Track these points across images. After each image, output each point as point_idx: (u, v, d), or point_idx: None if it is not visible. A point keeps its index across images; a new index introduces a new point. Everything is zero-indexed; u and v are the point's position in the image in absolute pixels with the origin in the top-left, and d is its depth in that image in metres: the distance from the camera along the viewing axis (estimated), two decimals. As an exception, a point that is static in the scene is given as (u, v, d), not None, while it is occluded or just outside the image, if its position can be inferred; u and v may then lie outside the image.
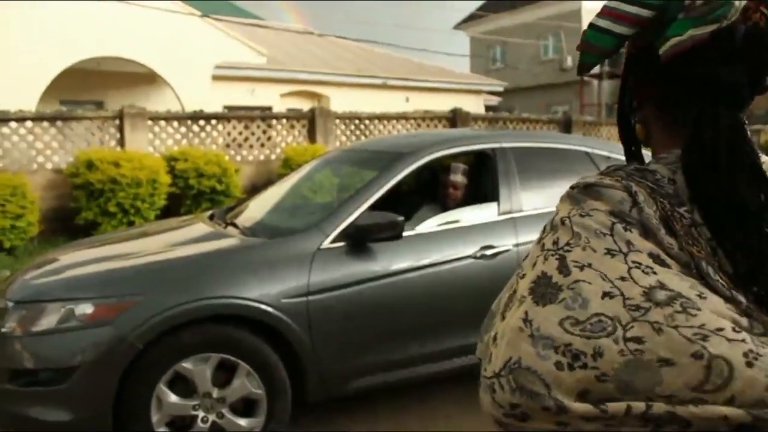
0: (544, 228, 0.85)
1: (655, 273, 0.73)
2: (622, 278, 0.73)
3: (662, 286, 0.71)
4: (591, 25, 0.88)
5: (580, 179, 0.85)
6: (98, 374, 2.96)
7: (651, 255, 0.74)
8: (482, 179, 4.21)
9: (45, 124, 9.15)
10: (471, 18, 31.14)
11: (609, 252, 0.75)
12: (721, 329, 0.68)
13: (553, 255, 0.78)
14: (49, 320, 2.99)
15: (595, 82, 25.41)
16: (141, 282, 3.16)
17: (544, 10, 26.88)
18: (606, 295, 0.72)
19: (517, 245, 3.83)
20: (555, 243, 0.79)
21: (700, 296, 0.72)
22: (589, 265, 0.74)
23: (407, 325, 3.57)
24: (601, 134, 14.71)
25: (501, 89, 21.66)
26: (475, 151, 4.22)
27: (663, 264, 0.74)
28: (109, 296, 3.06)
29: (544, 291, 0.75)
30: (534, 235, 3.91)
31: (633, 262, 0.74)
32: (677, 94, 0.86)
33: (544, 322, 0.72)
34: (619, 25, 0.84)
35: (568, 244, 0.78)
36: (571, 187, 0.85)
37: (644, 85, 0.91)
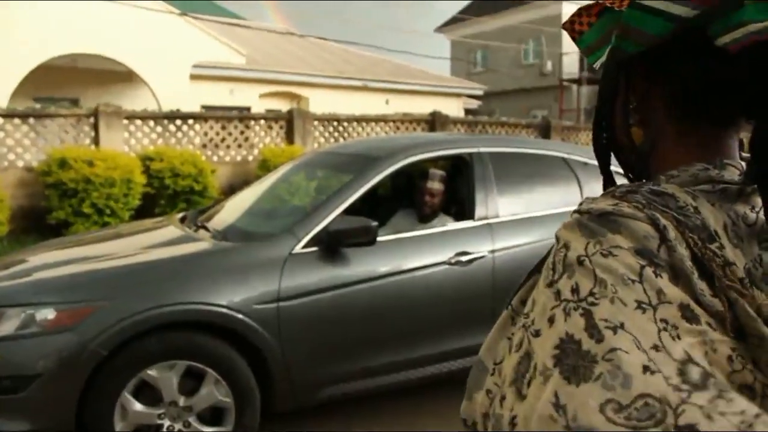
0: (548, 265, 0.69)
1: (680, 338, 0.60)
2: (655, 347, 0.59)
3: (690, 359, 0.59)
4: (634, 4, 0.70)
5: (586, 202, 0.70)
6: (60, 382, 2.87)
7: (681, 307, 0.62)
8: (459, 184, 4.17)
9: (17, 120, 8.96)
10: (452, 21, 31.21)
11: (640, 306, 0.61)
12: (758, 415, 0.56)
13: (575, 309, 0.62)
14: (8, 326, 2.89)
15: (575, 87, 25.60)
16: (105, 287, 3.07)
17: (525, 15, 27.02)
18: (646, 369, 0.57)
19: (493, 251, 3.79)
20: (575, 291, 0.63)
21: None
22: (622, 326, 0.59)
23: (380, 332, 3.51)
24: (580, 139, 14.78)
25: (481, 93, 21.71)
26: (452, 155, 4.17)
27: (691, 319, 0.61)
28: (72, 301, 2.96)
29: (574, 363, 0.59)
30: (510, 241, 3.91)
31: (661, 320, 0.60)
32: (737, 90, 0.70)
33: (582, 409, 0.56)
34: (679, 3, 0.68)
35: (592, 294, 0.62)
36: (579, 212, 0.70)
37: (666, 82, 0.75)
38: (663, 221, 0.65)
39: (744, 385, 0.63)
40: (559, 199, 4.23)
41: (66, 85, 14.33)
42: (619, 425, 0.54)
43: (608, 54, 0.77)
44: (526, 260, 3.88)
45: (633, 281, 0.62)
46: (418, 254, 3.65)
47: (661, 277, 0.62)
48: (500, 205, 3.97)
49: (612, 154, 0.86)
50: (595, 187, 4.30)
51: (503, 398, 0.65)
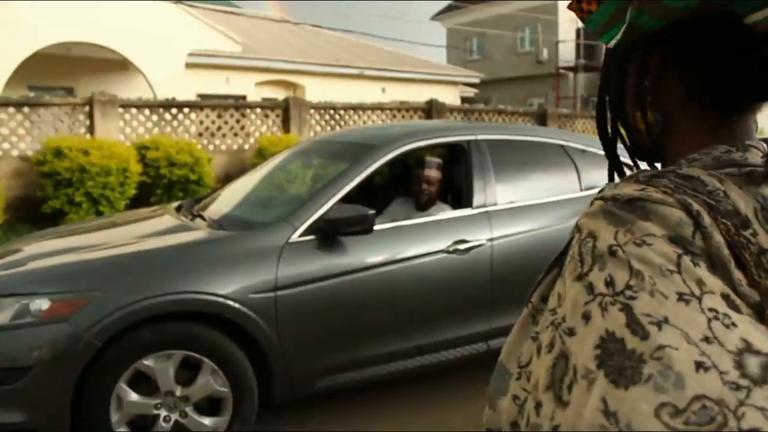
0: (573, 256, 0.63)
1: (735, 325, 0.55)
2: (707, 339, 0.53)
3: (749, 347, 0.53)
4: None
5: (609, 188, 0.65)
6: (54, 373, 2.84)
7: (723, 296, 0.57)
8: (456, 172, 4.14)
9: (11, 109, 8.89)
10: (448, 9, 31.05)
11: (681, 298, 0.56)
12: None
13: (613, 304, 0.57)
14: (2, 316, 2.86)
15: (571, 75, 25.53)
16: (100, 277, 3.03)
17: (521, 2, 26.87)
18: (700, 366, 0.52)
19: (491, 240, 3.77)
20: (609, 284, 0.58)
21: None
22: (667, 321, 0.54)
23: (378, 321, 3.49)
24: (576, 127, 14.74)
25: (477, 81, 21.63)
26: (449, 143, 4.14)
27: (737, 308, 0.56)
28: (67, 291, 2.93)
29: (620, 364, 0.54)
30: (509, 229, 3.88)
31: (710, 310, 0.55)
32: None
33: (636, 415, 0.51)
34: None
35: (629, 287, 0.57)
36: (603, 198, 0.64)
37: (686, 62, 0.71)
38: (696, 206, 0.60)
39: None
40: (558, 187, 4.20)
41: (60, 73, 14.22)
42: (680, 431, 0.50)
43: (624, 30, 0.72)
44: (524, 248, 3.86)
45: (671, 272, 0.57)
46: (415, 243, 3.63)
47: (699, 266, 0.57)
48: (498, 192, 3.94)
49: (618, 140, 0.81)
50: (593, 175, 4.28)
51: (539, 405, 0.60)
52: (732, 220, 0.60)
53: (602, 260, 0.59)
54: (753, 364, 0.52)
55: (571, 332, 0.59)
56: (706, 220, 0.59)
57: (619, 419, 0.51)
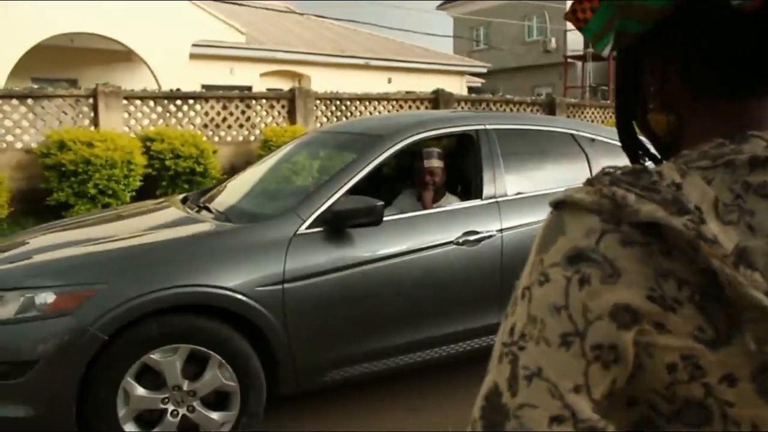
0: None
1: (618, 361, 0.59)
2: (576, 388, 0.58)
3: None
4: None
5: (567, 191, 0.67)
6: (60, 367, 2.80)
7: (615, 311, 0.59)
8: (465, 162, 4.08)
9: (15, 101, 8.86)
10: (454, -2, 30.86)
11: (564, 341, 0.59)
12: None
13: (507, 355, 0.61)
14: (7, 310, 2.82)
15: (579, 64, 25.34)
16: (106, 269, 2.99)
17: (528, -9, 26.69)
18: (554, 420, 0.57)
19: (501, 230, 3.71)
20: (511, 332, 0.62)
21: None
22: (539, 373, 0.59)
23: (386, 314, 3.44)
24: (585, 116, 14.63)
25: (484, 70, 21.51)
26: (457, 133, 4.08)
27: (630, 323, 0.59)
28: (72, 284, 2.89)
29: (493, 419, 0.59)
30: (519, 220, 3.82)
31: (592, 347, 0.59)
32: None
33: None
34: None
35: (523, 335, 0.61)
36: (551, 204, 0.68)
37: (680, 56, 0.70)
38: (620, 196, 0.61)
39: (690, 401, 0.60)
40: (568, 176, 4.13)
41: (64, 65, 14.18)
42: None
43: (615, 39, 0.73)
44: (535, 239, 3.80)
45: (559, 309, 0.60)
46: (424, 234, 3.57)
47: (589, 283, 0.60)
48: (508, 183, 3.88)
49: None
50: (603, 163, 4.17)
51: None
52: (668, 209, 0.59)
53: (515, 304, 0.64)
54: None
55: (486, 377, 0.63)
56: (632, 208, 0.60)
57: None
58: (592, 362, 0.59)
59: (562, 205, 0.65)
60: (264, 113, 11.12)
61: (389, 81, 18.12)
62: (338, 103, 11.78)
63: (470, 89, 20.97)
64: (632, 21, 0.69)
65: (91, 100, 9.37)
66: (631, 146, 0.81)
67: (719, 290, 0.57)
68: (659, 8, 0.66)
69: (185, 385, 3.01)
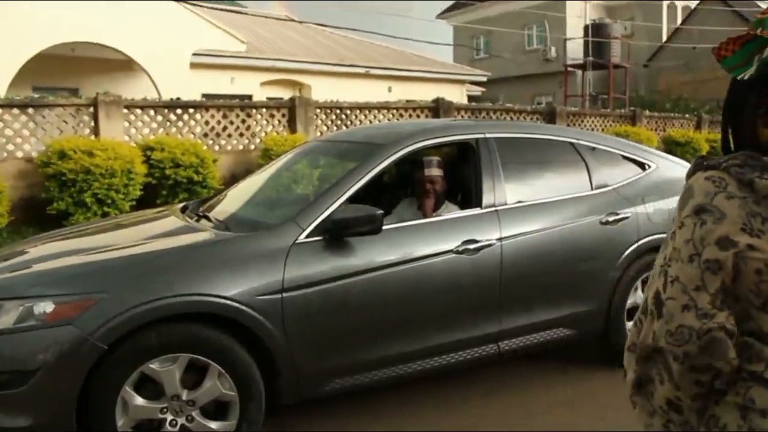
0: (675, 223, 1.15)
1: (721, 269, 1.06)
2: (697, 288, 1.05)
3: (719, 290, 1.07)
4: None
5: (702, 161, 1.18)
6: (59, 377, 2.79)
7: (720, 241, 1.06)
8: (465, 171, 4.08)
9: (15, 110, 8.85)
10: (454, 7, 30.99)
11: (690, 259, 1.07)
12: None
13: (662, 272, 1.11)
14: (6, 319, 2.81)
15: (579, 72, 25.40)
16: (105, 279, 2.99)
17: (529, 0, 26.77)
18: (685, 308, 1.05)
19: (500, 239, 3.71)
20: (664, 258, 1.13)
21: None
22: (677, 279, 1.08)
23: (386, 323, 3.44)
24: (585, 125, 14.64)
25: (484, 79, 21.54)
26: (457, 141, 4.08)
27: (727, 245, 1.05)
28: (71, 294, 2.88)
29: (658, 304, 1.10)
30: (519, 229, 3.81)
31: (704, 262, 1.06)
32: None
33: (656, 335, 1.10)
34: None
35: (670, 259, 1.11)
36: (698, 167, 1.17)
37: None
38: (734, 170, 1.10)
39: None
40: (568, 185, 4.14)
41: (65, 74, 14.19)
42: (671, 344, 1.06)
43: (756, 70, 1.11)
44: (535, 248, 3.81)
45: (688, 241, 1.09)
46: (424, 243, 3.57)
47: (705, 224, 1.07)
48: (508, 191, 3.88)
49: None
50: (603, 172, 4.21)
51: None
52: (759, 175, 1.09)
53: (667, 239, 1.17)
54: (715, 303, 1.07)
55: (650, 284, 1.16)
56: (732, 185, 1.10)
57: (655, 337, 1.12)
58: (705, 271, 1.06)
59: (692, 179, 1.14)
60: (264, 122, 11.12)
61: (389, 90, 18.15)
62: (338, 111, 11.79)
63: (470, 98, 21.00)
64: None
65: (91, 109, 9.37)
66: (725, 147, 1.22)
67: None
68: None
69: (184, 395, 3.00)
